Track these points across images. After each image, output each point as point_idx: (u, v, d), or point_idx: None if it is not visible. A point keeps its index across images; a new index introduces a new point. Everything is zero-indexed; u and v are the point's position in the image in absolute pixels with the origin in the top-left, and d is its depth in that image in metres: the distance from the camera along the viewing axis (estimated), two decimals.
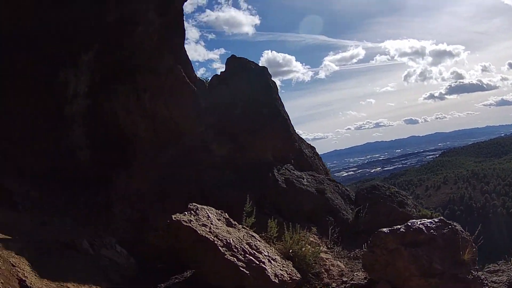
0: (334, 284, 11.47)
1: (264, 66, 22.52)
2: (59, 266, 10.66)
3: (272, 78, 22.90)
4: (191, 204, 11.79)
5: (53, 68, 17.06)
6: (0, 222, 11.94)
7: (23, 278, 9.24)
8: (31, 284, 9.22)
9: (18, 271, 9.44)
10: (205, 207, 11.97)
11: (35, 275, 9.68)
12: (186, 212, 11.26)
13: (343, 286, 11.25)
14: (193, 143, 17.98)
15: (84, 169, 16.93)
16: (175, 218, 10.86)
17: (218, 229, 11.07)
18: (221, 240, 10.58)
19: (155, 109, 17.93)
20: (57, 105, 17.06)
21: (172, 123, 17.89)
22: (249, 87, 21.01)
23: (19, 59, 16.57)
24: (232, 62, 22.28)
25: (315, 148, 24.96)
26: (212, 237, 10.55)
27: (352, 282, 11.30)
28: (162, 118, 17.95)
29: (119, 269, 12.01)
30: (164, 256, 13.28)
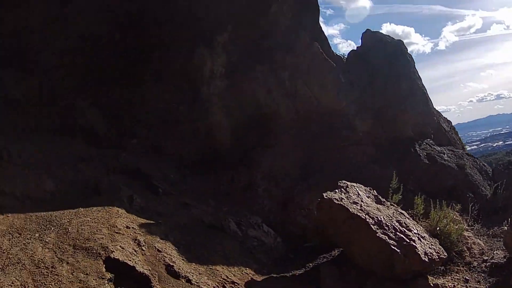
0: (475, 263, 11.03)
1: (400, 40, 21.57)
2: (206, 249, 10.57)
3: None
4: (340, 181, 11.35)
5: (188, 50, 16.94)
6: (142, 206, 11.92)
7: (171, 264, 9.12)
8: (179, 269, 9.06)
9: (165, 256, 9.36)
10: (354, 184, 11.52)
11: (183, 259, 9.59)
12: (336, 190, 10.86)
13: (483, 265, 10.86)
14: (335, 120, 17.33)
15: (225, 150, 16.78)
16: (326, 196, 10.47)
17: (368, 206, 10.62)
18: (372, 218, 10.14)
19: (295, 87, 17.37)
20: (193, 88, 16.94)
21: (313, 100, 17.33)
22: (387, 61, 20.04)
23: (153, 43, 16.68)
24: (368, 36, 21.49)
25: (451, 122, 23.94)
26: (364, 215, 10.12)
27: (492, 261, 10.87)
28: (302, 96, 17.37)
29: (266, 249, 11.82)
30: (310, 234, 13.06)
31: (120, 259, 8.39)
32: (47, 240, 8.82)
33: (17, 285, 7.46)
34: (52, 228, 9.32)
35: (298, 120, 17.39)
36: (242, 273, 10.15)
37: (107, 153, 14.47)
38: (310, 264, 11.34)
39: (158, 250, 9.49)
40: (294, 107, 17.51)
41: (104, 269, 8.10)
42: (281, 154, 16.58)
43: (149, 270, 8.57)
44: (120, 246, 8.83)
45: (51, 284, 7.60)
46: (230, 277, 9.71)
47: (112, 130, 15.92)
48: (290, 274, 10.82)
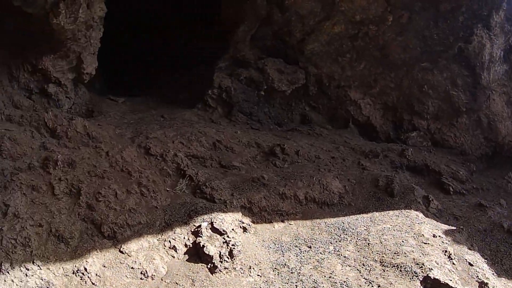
0: None
1: None
2: (506, 257, 9.00)
3: None
4: None
5: (466, 32, 15.27)
6: (438, 208, 10.47)
7: (484, 281, 7.68)
8: (493, 287, 7.63)
9: (477, 271, 7.93)
10: None
11: (492, 273, 8.13)
12: None
13: None
14: None
15: (507, 143, 15.24)
16: None
17: None
18: None
19: None
20: (473, 74, 15.34)
21: None
22: None
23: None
24: None
25: None
26: None
27: None
28: None
29: None
30: None
31: (441, 279, 7.05)
32: (345, 255, 7.83)
33: None
34: (349, 239, 8.35)
35: None
36: None
37: (390, 148, 13.27)
38: None
39: (469, 264, 8.15)
40: None
41: None
42: None
43: None
44: (435, 261, 7.54)
45: None
46: None
47: (387, 123, 15.09)
48: None
